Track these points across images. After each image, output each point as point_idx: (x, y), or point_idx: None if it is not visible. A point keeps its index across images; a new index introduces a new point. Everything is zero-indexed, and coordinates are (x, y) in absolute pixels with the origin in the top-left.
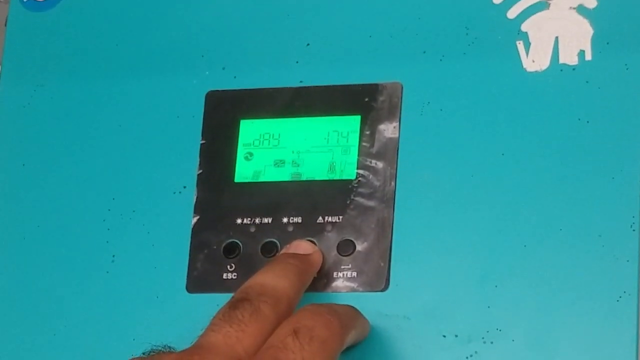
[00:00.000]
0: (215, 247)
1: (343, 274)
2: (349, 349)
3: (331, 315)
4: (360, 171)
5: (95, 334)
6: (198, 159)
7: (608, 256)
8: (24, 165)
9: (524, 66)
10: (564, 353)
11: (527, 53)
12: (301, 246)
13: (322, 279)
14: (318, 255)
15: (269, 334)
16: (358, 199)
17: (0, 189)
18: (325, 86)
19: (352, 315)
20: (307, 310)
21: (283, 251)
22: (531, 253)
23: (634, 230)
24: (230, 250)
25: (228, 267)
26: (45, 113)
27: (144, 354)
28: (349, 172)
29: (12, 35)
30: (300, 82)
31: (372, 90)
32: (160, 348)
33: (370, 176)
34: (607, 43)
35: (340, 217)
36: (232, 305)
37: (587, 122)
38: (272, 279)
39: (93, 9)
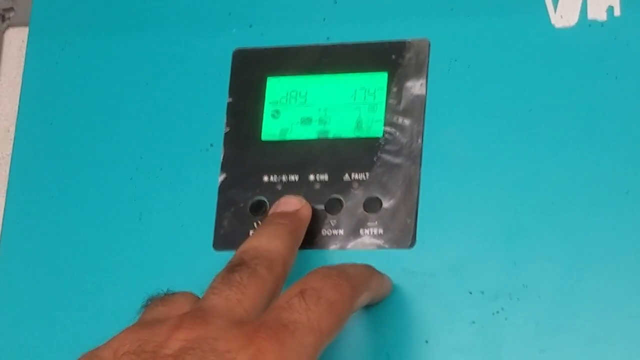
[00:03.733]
0: (242, 205)
1: (369, 231)
2: (373, 306)
3: (341, 277)
4: (387, 128)
5: (122, 291)
6: (225, 117)
7: (635, 213)
8: (51, 124)
9: (552, 22)
10: (591, 310)
11: (555, 9)
12: (289, 203)
13: (348, 236)
14: (306, 209)
15: (268, 296)
16: (385, 156)
17: (28, 148)
18: (352, 43)
19: (365, 277)
20: (316, 272)
21: (271, 210)
22: (558, 209)
23: None
24: (257, 208)
25: (255, 224)
26: (73, 72)
27: (143, 307)
28: (376, 129)
29: None
30: (327, 39)
31: (399, 47)
32: (160, 295)
33: (397, 133)
34: None
35: (367, 174)
36: (230, 269)
37: (616, 77)
38: (264, 241)
39: None
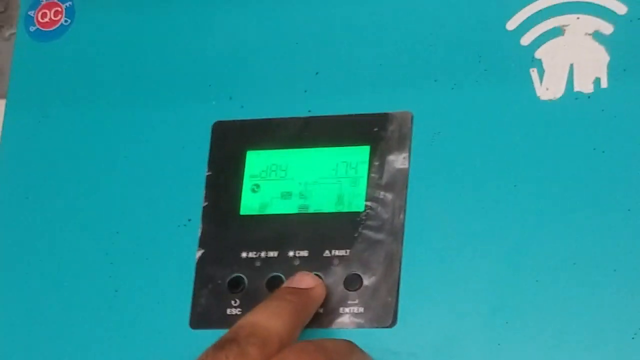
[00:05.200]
0: (219, 282)
1: (350, 310)
2: None
3: (319, 353)
4: (369, 203)
5: None
6: (203, 191)
7: (623, 291)
8: (27, 197)
9: (538, 94)
10: None
11: (541, 81)
12: (304, 280)
13: (328, 315)
14: (320, 290)
15: None
16: (366, 232)
17: (4, 220)
18: (334, 116)
19: (344, 352)
20: (293, 348)
21: (285, 284)
22: (543, 288)
23: None
24: (235, 285)
25: (232, 302)
26: (50, 144)
27: None
28: (358, 204)
29: (18, 66)
30: (309, 111)
31: (381, 120)
32: None
33: (379, 208)
34: (624, 70)
35: (348, 250)
36: (219, 346)
37: (603, 152)
38: (265, 318)
39: (99, 39)
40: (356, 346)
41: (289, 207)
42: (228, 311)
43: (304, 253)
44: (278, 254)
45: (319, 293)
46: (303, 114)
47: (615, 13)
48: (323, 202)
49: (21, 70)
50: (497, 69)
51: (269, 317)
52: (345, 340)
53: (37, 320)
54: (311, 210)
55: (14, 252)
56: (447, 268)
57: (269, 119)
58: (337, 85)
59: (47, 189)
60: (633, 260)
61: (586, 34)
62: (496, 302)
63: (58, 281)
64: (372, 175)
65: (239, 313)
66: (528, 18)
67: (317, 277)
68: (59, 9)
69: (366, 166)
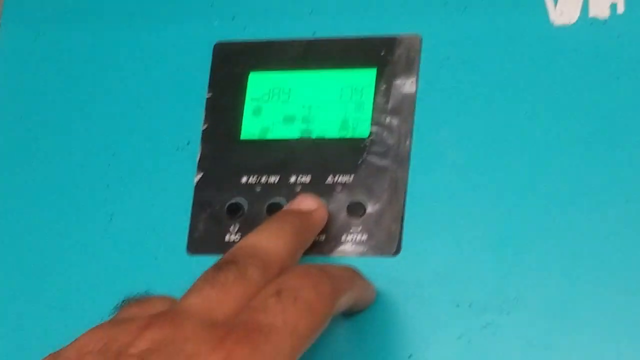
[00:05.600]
0: (218, 207)
1: (352, 237)
2: (354, 315)
3: (321, 276)
4: (374, 128)
5: (92, 295)
6: (203, 114)
7: (634, 223)
8: (21, 118)
9: (552, 19)
10: (586, 324)
11: (555, 4)
12: (305, 202)
13: (330, 242)
14: (322, 212)
15: None
16: (370, 158)
17: None
18: (339, 38)
19: (347, 277)
20: (295, 270)
21: (286, 206)
22: (553, 217)
23: None
24: (234, 210)
25: (231, 227)
26: (45, 63)
27: (118, 307)
28: (362, 129)
29: None
30: (314, 33)
31: (389, 43)
32: (137, 296)
33: (385, 134)
34: None
35: (351, 177)
36: (218, 267)
37: (618, 78)
38: (265, 239)
39: None
40: (359, 273)
41: (291, 132)
42: (227, 237)
43: (306, 179)
44: (279, 180)
45: (321, 215)
46: (308, 35)
47: None
48: (326, 127)
49: None
50: None
51: (269, 239)
52: (348, 266)
53: (29, 243)
54: (314, 135)
55: (7, 172)
56: (454, 196)
57: (273, 40)
58: (343, 6)
59: (42, 110)
60: None
61: None
62: (503, 231)
63: (51, 204)
64: (378, 99)
65: (237, 239)
66: None
67: (319, 199)
68: None
69: (372, 90)
